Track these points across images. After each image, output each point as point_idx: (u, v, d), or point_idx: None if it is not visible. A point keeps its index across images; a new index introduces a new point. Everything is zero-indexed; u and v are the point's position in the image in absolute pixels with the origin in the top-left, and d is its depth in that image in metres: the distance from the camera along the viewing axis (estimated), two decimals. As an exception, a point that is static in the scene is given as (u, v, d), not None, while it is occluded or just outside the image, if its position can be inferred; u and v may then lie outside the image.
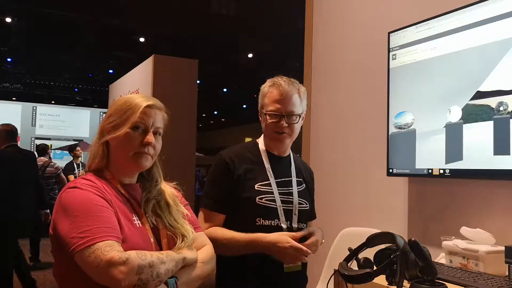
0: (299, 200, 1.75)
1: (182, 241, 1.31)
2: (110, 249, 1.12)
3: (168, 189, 1.44)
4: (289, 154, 1.85)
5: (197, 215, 1.58)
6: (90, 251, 1.11)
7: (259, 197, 1.67)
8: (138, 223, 1.28)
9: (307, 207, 1.80)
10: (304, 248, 1.57)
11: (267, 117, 1.72)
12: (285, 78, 1.75)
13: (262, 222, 1.66)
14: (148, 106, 1.31)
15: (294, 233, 1.63)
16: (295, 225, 1.71)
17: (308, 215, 1.82)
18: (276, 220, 1.68)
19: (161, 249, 1.28)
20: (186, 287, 1.26)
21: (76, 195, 1.21)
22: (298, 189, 1.78)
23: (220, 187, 1.70)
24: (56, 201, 1.25)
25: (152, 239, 1.28)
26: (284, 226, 1.68)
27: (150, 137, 1.31)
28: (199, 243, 1.40)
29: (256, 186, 1.69)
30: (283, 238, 1.57)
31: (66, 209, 1.19)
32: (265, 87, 1.76)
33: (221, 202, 1.69)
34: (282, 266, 1.65)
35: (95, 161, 1.32)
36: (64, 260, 1.20)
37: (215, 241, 1.55)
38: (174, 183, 1.48)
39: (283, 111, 1.69)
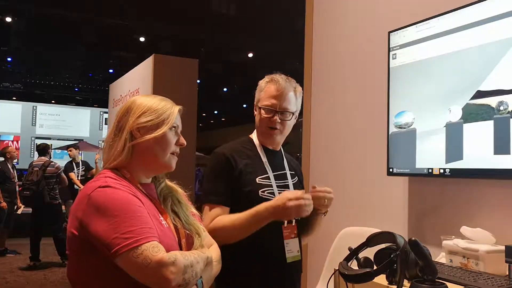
0: None
1: (197, 240, 1.33)
2: (157, 250, 1.12)
3: (175, 186, 1.45)
4: (281, 148, 1.89)
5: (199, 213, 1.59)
6: (138, 252, 1.10)
7: (261, 190, 1.71)
8: (165, 223, 1.28)
9: None
10: (301, 193, 1.56)
11: (262, 111, 1.75)
12: (283, 76, 1.79)
13: None
14: (179, 110, 1.36)
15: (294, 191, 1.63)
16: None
17: None
18: None
19: (181, 249, 1.28)
20: (206, 285, 1.29)
21: (111, 195, 1.17)
22: (292, 181, 1.82)
23: (223, 182, 1.71)
24: (81, 200, 1.20)
25: (177, 239, 1.29)
26: None
27: (183, 139, 1.36)
28: (207, 242, 1.41)
29: (257, 179, 1.72)
30: (280, 197, 1.57)
31: (101, 209, 1.15)
32: (263, 82, 1.80)
33: (225, 196, 1.70)
34: (285, 257, 1.69)
35: (118, 159, 1.28)
36: (91, 261, 1.19)
37: (223, 228, 1.60)
38: (174, 182, 1.48)
39: (278, 107, 1.73)
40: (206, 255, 1.29)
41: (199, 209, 1.73)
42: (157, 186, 1.39)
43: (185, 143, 1.36)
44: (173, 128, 1.33)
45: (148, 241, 1.12)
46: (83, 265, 1.22)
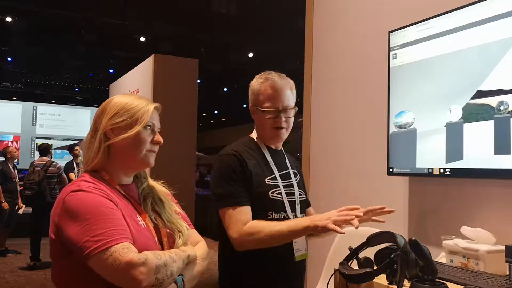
0: (298, 191, 1.81)
1: (179, 238, 1.33)
2: (127, 251, 1.12)
3: (158, 186, 1.45)
4: (281, 147, 1.88)
5: (197, 215, 1.58)
6: (107, 254, 1.11)
7: (271, 191, 1.70)
8: (143, 223, 1.29)
9: (304, 197, 1.85)
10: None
11: (265, 114, 1.73)
12: (275, 73, 1.78)
13: (273, 215, 1.69)
14: (155, 108, 1.36)
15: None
16: (299, 215, 1.76)
17: (305, 204, 1.87)
18: (283, 212, 1.71)
19: (162, 248, 1.29)
20: (189, 284, 1.29)
21: (83, 198, 1.19)
22: (295, 180, 1.82)
23: (239, 182, 1.66)
24: (57, 205, 1.22)
25: (155, 239, 1.29)
26: (291, 217, 1.72)
27: (159, 137, 1.36)
28: (194, 240, 1.42)
29: (266, 180, 1.71)
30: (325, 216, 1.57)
31: (74, 213, 1.17)
32: (257, 83, 1.78)
33: (246, 195, 1.66)
34: (293, 256, 1.69)
35: (94, 161, 1.30)
36: (68, 264, 1.20)
37: (259, 233, 1.56)
38: (161, 182, 1.48)
39: (281, 107, 1.72)
40: (187, 254, 1.28)
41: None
42: (139, 186, 1.39)
43: (162, 141, 1.36)
44: (148, 127, 1.33)
45: (118, 243, 1.13)
46: (63, 268, 1.24)
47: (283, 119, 1.73)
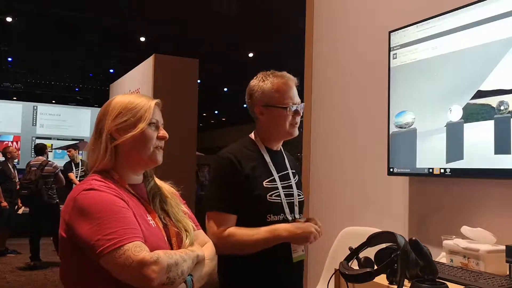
0: (297, 191, 1.81)
1: (186, 238, 1.33)
2: (140, 249, 1.13)
3: (165, 185, 1.46)
4: (281, 148, 1.87)
5: (198, 215, 1.59)
6: (120, 252, 1.11)
7: (269, 194, 1.69)
8: (153, 223, 1.29)
9: (303, 197, 1.85)
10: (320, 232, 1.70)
11: (287, 112, 1.71)
12: (278, 72, 1.78)
13: (272, 218, 1.69)
14: (156, 104, 1.35)
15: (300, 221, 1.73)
16: (297, 216, 1.76)
17: (303, 205, 1.87)
18: (282, 214, 1.71)
19: (171, 248, 1.29)
20: (198, 284, 1.29)
21: (95, 197, 1.19)
22: (294, 180, 1.82)
23: (229, 188, 1.67)
24: (67, 203, 1.22)
25: (165, 238, 1.30)
26: (290, 218, 1.72)
27: (165, 132, 1.36)
28: (201, 240, 1.42)
29: (264, 183, 1.70)
30: (308, 229, 1.66)
31: (86, 211, 1.17)
32: (268, 82, 1.74)
33: (232, 202, 1.66)
34: (291, 257, 1.69)
35: (102, 162, 1.30)
36: (78, 263, 1.20)
37: (238, 242, 1.61)
38: (169, 182, 1.48)
39: (299, 102, 1.75)
40: (196, 254, 1.29)
41: (203, 209, 1.72)
42: (147, 185, 1.40)
43: (167, 136, 1.36)
44: (152, 124, 1.33)
45: (131, 241, 1.13)
46: (73, 267, 1.24)
47: (301, 114, 1.75)
